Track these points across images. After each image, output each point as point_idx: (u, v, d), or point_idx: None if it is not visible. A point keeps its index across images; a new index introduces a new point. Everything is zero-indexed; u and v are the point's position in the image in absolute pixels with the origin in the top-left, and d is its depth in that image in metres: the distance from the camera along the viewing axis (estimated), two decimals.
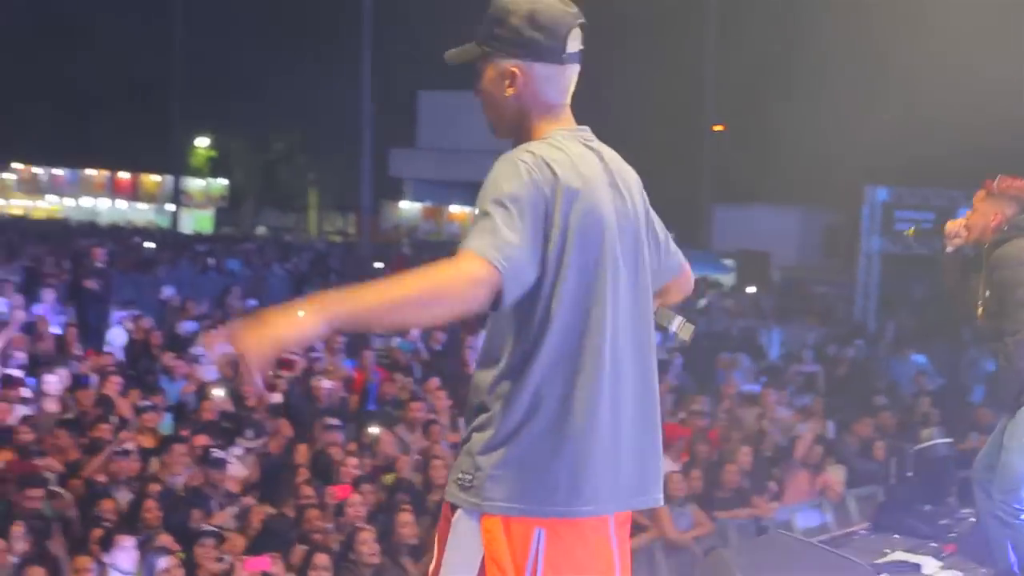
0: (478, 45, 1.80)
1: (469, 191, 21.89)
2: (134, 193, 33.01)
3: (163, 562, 4.60)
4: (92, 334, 9.06)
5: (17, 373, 7.15)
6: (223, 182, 33.50)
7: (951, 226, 3.75)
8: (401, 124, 27.40)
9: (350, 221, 29.26)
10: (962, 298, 3.75)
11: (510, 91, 1.77)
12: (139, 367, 8.14)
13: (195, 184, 32.63)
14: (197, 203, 32.66)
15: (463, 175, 24.46)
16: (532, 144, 1.73)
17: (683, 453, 7.04)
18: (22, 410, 6.44)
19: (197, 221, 31.48)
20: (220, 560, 4.63)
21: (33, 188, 32.32)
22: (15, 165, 31.83)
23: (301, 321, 1.49)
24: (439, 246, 21.55)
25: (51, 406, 6.71)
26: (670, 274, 1.97)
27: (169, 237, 23.73)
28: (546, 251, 1.65)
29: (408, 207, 31.58)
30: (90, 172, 30.57)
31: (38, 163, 31.43)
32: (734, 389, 8.89)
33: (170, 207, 28.03)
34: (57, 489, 5.35)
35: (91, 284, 9.93)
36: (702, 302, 13.99)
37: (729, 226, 22.44)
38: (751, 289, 17.51)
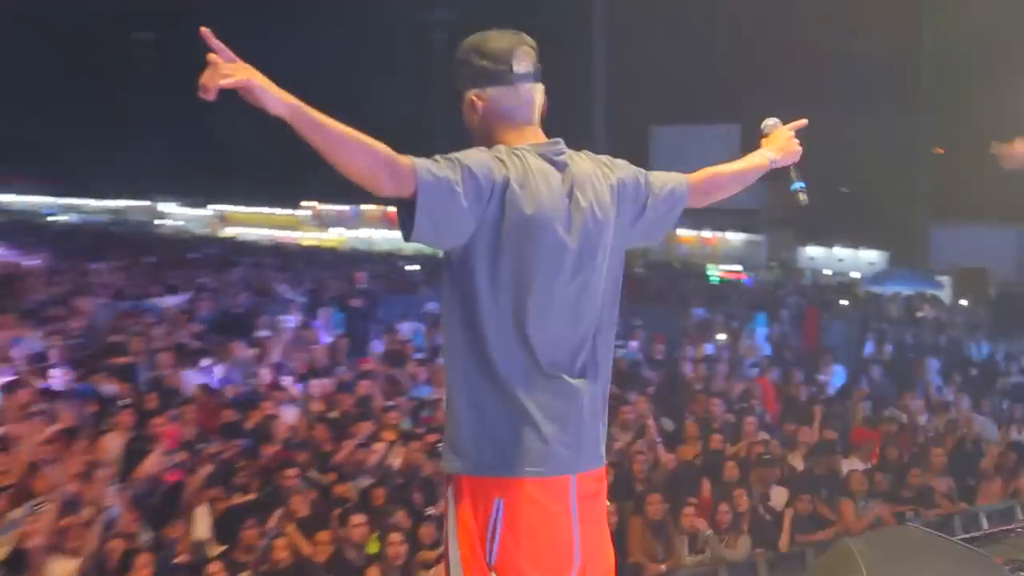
0: (452, 87, 2.05)
1: (701, 216, 23.96)
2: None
3: (394, 536, 5.12)
4: (358, 345, 10.22)
5: (287, 379, 8.26)
6: None
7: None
8: (637, 156, 29.92)
9: None
10: None
11: (475, 116, 2.01)
12: (393, 374, 9.03)
13: None
14: None
15: None
16: (504, 149, 1.94)
17: (872, 455, 7.47)
18: (291, 410, 7.45)
19: None
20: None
21: (321, 222, 37.85)
22: (306, 203, 37.44)
23: (274, 89, 1.69)
24: (669, 266, 23.85)
25: (316, 406, 7.65)
26: (676, 209, 2.21)
27: (431, 261, 25.95)
28: (480, 230, 1.86)
29: None
30: (367, 207, 34.17)
31: (326, 201, 36.65)
32: (929, 395, 9.38)
33: None
34: (312, 475, 6.12)
35: (356, 303, 11.34)
36: (918, 314, 14.71)
37: (948, 244, 23.24)
38: (964, 302, 17.86)
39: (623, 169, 2.12)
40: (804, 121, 2.40)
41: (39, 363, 7.79)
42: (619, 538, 5.54)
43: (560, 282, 1.95)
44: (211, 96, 1.67)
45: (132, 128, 36.96)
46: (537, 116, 2.06)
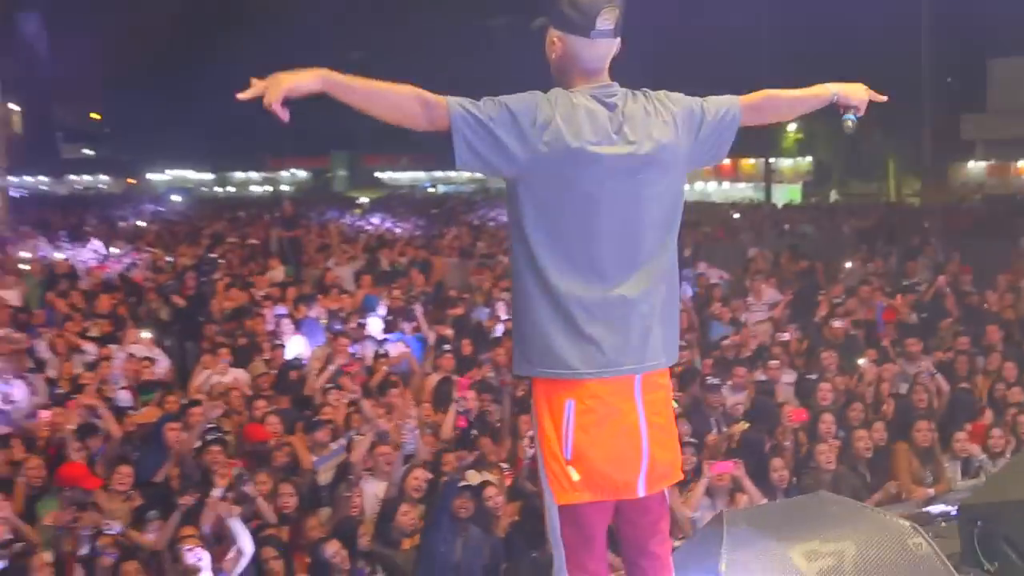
0: (543, 17, 2.27)
1: None
2: (735, 175, 38.78)
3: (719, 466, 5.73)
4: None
5: None
6: (808, 159, 37.72)
7: None
8: (972, 90, 29.32)
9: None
10: None
11: (553, 54, 2.26)
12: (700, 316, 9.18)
13: (785, 163, 37.41)
14: (788, 179, 37.36)
15: None
16: (559, 91, 2.21)
17: None
18: None
19: (788, 194, 35.19)
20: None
21: None
22: None
23: (301, 76, 2.00)
24: (1007, 200, 22.34)
25: None
26: (731, 128, 2.39)
27: (760, 209, 25.85)
28: (520, 160, 2.13)
29: (974, 166, 32.63)
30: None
31: None
32: None
33: (763, 184, 31.95)
34: None
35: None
36: None
37: None
38: None
39: (678, 102, 2.33)
40: (884, 97, 2.63)
41: (386, 316, 9.14)
42: (883, 461, 5.90)
43: (606, 205, 2.18)
44: (282, 115, 2.02)
45: None
46: (606, 65, 2.28)
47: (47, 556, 4.56)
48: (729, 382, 7.00)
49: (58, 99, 45.52)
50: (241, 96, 2.05)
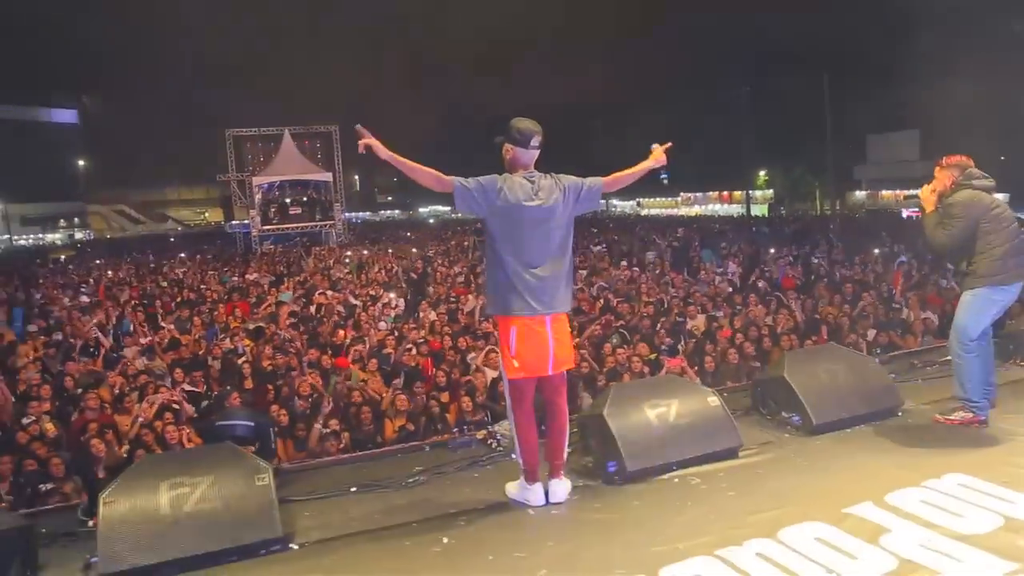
0: (501, 136, 4.29)
1: None
2: (730, 200, 64.43)
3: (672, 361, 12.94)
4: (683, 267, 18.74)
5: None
6: (771, 191, 63.19)
7: (925, 193, 5.31)
8: (860, 151, 53.08)
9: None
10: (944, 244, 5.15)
11: (508, 157, 4.27)
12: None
13: (757, 193, 60.21)
14: (759, 201, 59.60)
15: None
16: (508, 175, 4.23)
17: None
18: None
19: (760, 210, 57.06)
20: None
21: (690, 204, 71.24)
22: (681, 194, 73.73)
23: (382, 150, 4.05)
24: (877, 212, 43.65)
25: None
26: (597, 196, 4.42)
27: (737, 221, 43.28)
28: (487, 209, 4.15)
29: (860, 194, 57.09)
30: (711, 193, 66.57)
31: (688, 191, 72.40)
32: None
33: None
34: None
35: (675, 244, 19.83)
36: None
37: None
38: None
39: (569, 179, 4.31)
40: (664, 147, 4.56)
41: None
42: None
43: (528, 231, 4.17)
44: (363, 150, 4.03)
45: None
46: (533, 162, 4.24)
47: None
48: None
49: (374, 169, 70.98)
50: (362, 141, 4.01)
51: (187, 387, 10.30)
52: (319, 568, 3.96)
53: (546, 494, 4.45)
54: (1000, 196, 5.35)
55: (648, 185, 67.70)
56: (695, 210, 67.46)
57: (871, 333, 11.09)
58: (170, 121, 67.16)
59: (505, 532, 4.17)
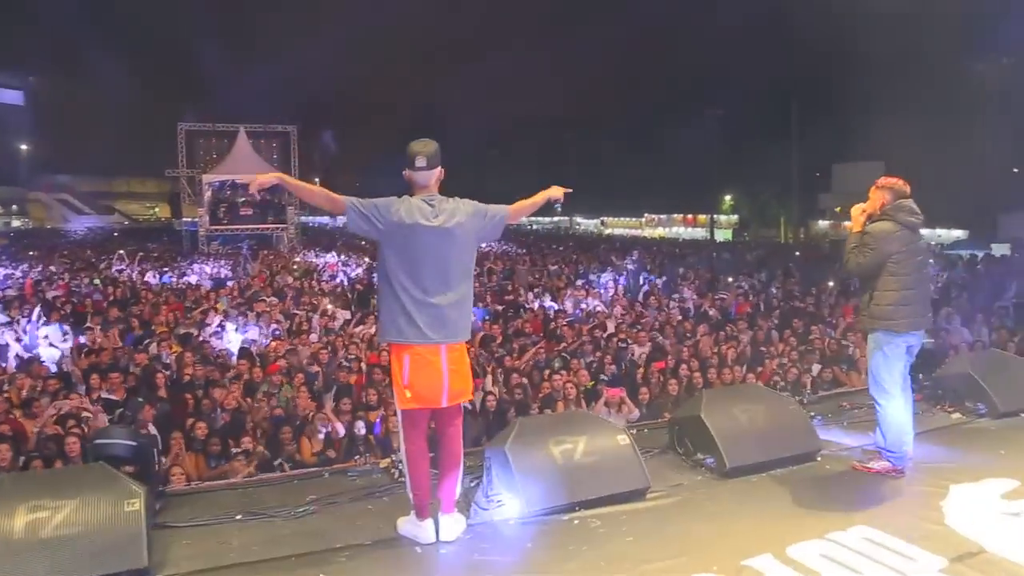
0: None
1: None
2: (695, 223, 66.01)
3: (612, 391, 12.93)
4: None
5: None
6: (736, 216, 64.52)
7: (855, 211, 5.18)
8: (825, 180, 52.59)
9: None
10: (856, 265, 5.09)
11: (406, 178, 4.21)
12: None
13: (723, 218, 63.77)
14: (724, 226, 62.84)
15: None
16: (406, 197, 4.17)
17: None
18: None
19: (724, 234, 60.39)
20: None
21: (654, 225, 71.68)
22: (645, 214, 73.49)
23: (263, 178, 4.10)
24: (841, 242, 42.33)
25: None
26: (501, 225, 4.37)
27: (700, 244, 45.27)
28: (382, 230, 4.07)
29: (824, 223, 53.28)
30: (676, 216, 68.59)
31: (654, 213, 72.49)
32: None
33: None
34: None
35: (631, 266, 20.01)
36: None
37: None
38: None
39: (472, 205, 4.25)
40: (565, 190, 4.55)
41: None
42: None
43: (426, 255, 4.08)
44: (254, 190, 4.16)
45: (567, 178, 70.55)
46: (430, 183, 4.19)
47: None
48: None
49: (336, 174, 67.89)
50: (252, 186, 4.12)
51: (105, 394, 10.04)
52: None
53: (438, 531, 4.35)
54: (958, 232, 5.32)
55: (614, 203, 70.74)
56: (659, 232, 68.79)
57: (816, 368, 11.21)
58: (123, 110, 66.02)
59: (387, 571, 4.06)
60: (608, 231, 74.35)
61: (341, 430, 8.58)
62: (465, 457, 4.49)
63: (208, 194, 37.75)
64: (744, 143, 51.31)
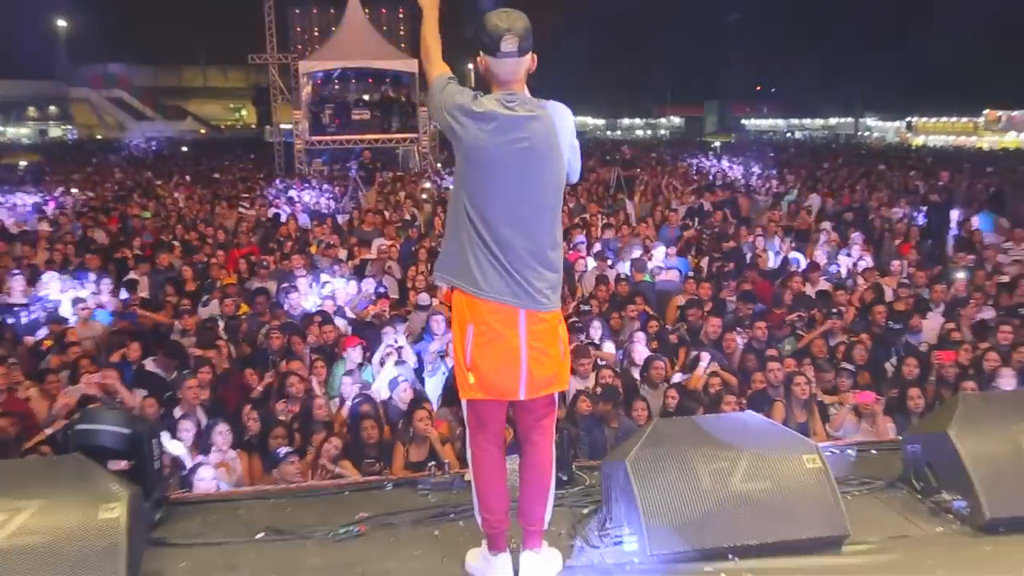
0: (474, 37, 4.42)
1: None
2: None
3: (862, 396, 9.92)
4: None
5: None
6: None
7: None
8: None
9: None
10: None
11: (480, 70, 4.39)
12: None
13: None
14: None
15: None
16: (479, 94, 4.37)
17: None
18: None
19: None
20: None
21: (998, 127, 67.56)
22: (986, 111, 70.86)
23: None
24: None
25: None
26: (575, 172, 4.53)
27: None
28: (453, 134, 4.34)
29: None
30: None
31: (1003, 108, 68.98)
32: None
33: None
34: None
35: (935, 198, 20.70)
36: None
37: None
38: None
39: (566, 113, 4.39)
40: None
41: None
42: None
43: (497, 181, 4.25)
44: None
45: (847, 62, 76.86)
46: (516, 77, 4.34)
47: None
48: None
49: None
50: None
51: (152, 367, 10.99)
52: None
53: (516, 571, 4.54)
54: None
55: (935, 97, 69.06)
56: (1010, 139, 61.63)
57: None
58: None
59: None
60: (919, 139, 70.98)
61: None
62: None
63: (308, 89, 38.26)
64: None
